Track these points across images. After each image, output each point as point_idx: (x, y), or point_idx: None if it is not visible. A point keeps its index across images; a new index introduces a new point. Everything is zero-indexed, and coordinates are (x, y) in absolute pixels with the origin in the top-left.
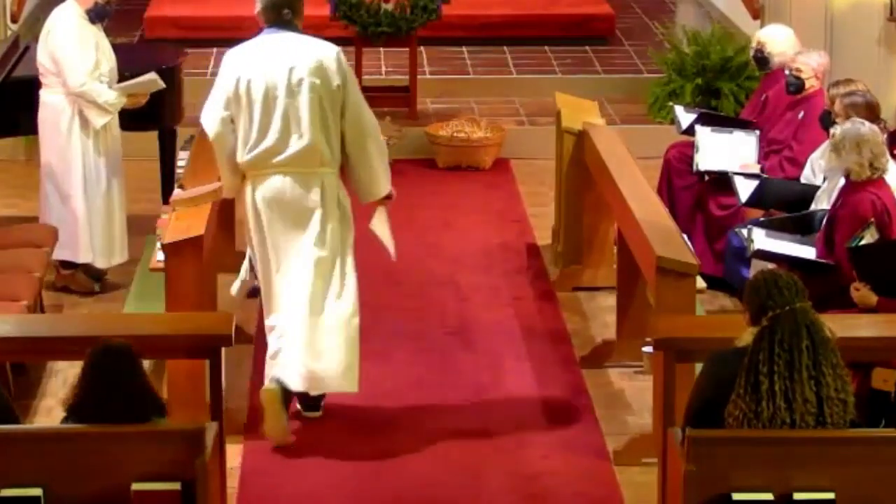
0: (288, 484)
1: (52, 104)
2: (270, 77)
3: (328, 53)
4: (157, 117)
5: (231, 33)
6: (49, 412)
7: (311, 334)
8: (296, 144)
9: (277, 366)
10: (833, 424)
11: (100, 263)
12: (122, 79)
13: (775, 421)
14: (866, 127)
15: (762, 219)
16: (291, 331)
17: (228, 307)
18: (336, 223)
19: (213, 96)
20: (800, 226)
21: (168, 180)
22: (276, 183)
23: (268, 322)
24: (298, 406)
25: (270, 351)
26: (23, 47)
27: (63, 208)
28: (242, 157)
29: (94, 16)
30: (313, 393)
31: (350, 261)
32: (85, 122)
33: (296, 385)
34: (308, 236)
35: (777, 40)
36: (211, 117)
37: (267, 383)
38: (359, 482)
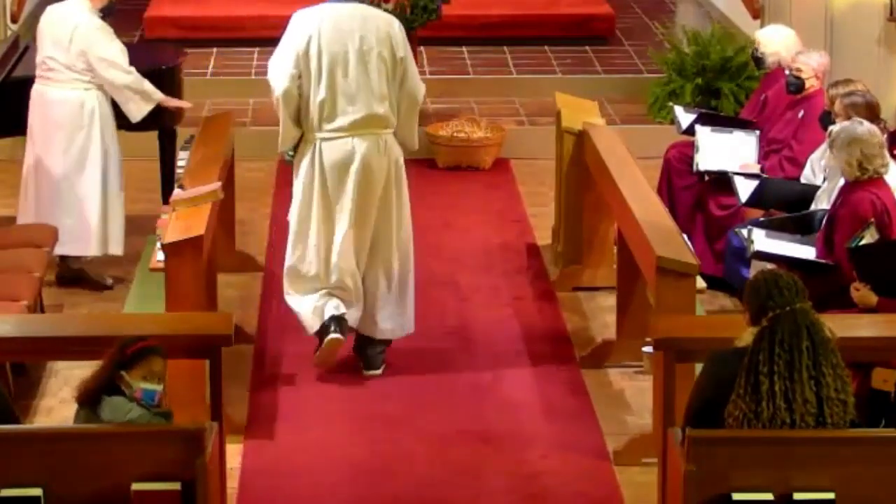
0: (288, 484)
1: (71, 99)
2: (342, 43)
3: (395, 26)
4: (157, 117)
5: (231, 33)
6: (49, 412)
7: (373, 285)
8: (365, 109)
9: (336, 312)
10: (833, 425)
11: (116, 251)
12: None
13: (775, 421)
14: (863, 127)
15: (762, 219)
16: (355, 282)
17: (228, 307)
18: (395, 181)
19: (282, 53)
20: (800, 226)
21: (168, 180)
22: (347, 146)
23: (308, 270)
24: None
25: (317, 298)
26: (23, 47)
27: (80, 203)
28: (312, 118)
29: (107, 13)
30: (378, 337)
31: (406, 214)
32: (103, 116)
33: (370, 333)
34: (374, 195)
35: (772, 40)
36: (280, 73)
37: (332, 335)
38: (359, 482)
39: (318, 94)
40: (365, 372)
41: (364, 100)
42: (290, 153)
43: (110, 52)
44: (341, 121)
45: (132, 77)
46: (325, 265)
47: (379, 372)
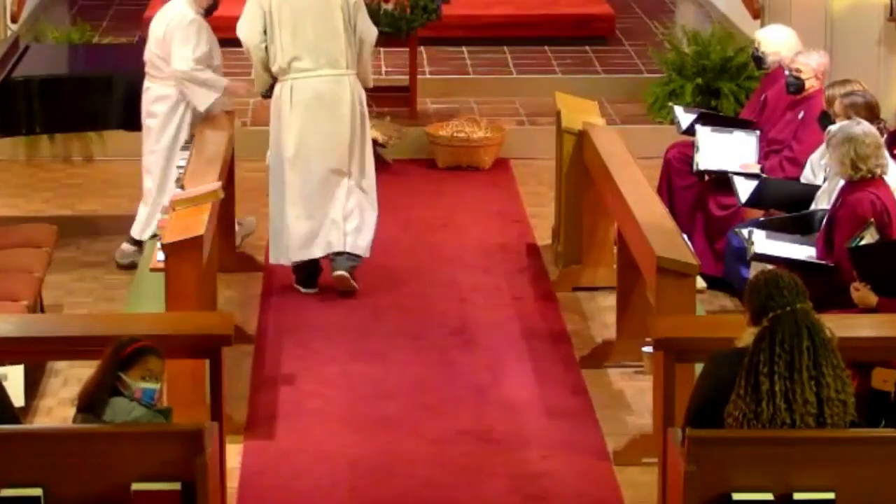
0: (288, 484)
1: (168, 95)
2: None
3: None
4: None
5: (231, 33)
6: (49, 412)
7: (346, 207)
8: (328, 53)
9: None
10: (833, 425)
11: None
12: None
13: (775, 421)
14: (860, 127)
15: (762, 219)
16: (333, 209)
17: (228, 307)
18: (360, 116)
19: (248, 11)
20: (800, 226)
21: None
22: (314, 84)
23: (287, 207)
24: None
25: (297, 228)
26: (23, 47)
27: (163, 194)
28: (281, 63)
29: (207, 11)
30: (348, 250)
31: (369, 146)
32: (186, 109)
33: (339, 247)
34: (341, 127)
35: (771, 40)
36: (247, 30)
37: (338, 272)
38: (359, 482)
39: (285, 44)
40: (333, 274)
41: (326, 45)
42: (267, 92)
43: (180, 42)
44: (308, 63)
45: (188, 68)
46: (299, 195)
47: (344, 273)
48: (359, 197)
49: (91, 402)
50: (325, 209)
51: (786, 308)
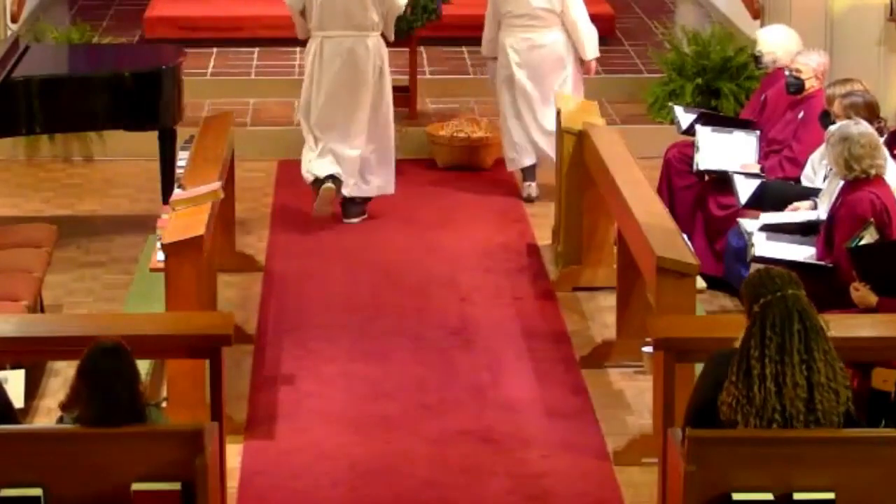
0: (288, 484)
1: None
2: None
3: None
4: (156, 117)
5: (231, 33)
6: (49, 412)
7: (364, 154)
8: (356, 18)
9: (331, 170)
10: (824, 413)
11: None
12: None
13: (766, 406)
14: (857, 127)
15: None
16: (349, 152)
17: (228, 307)
18: (381, 72)
19: None
20: (800, 226)
21: (168, 180)
22: (343, 42)
23: (316, 142)
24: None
25: (316, 155)
26: (23, 47)
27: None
28: (315, 23)
29: None
30: (363, 196)
31: (389, 98)
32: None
33: (350, 192)
34: (365, 81)
35: (768, 40)
36: None
37: (326, 184)
38: (359, 482)
39: (317, 8)
40: (344, 220)
41: (356, 9)
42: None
43: None
44: (338, 23)
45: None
46: (323, 136)
47: (357, 220)
48: (374, 149)
49: (136, 414)
50: (342, 147)
51: (776, 293)
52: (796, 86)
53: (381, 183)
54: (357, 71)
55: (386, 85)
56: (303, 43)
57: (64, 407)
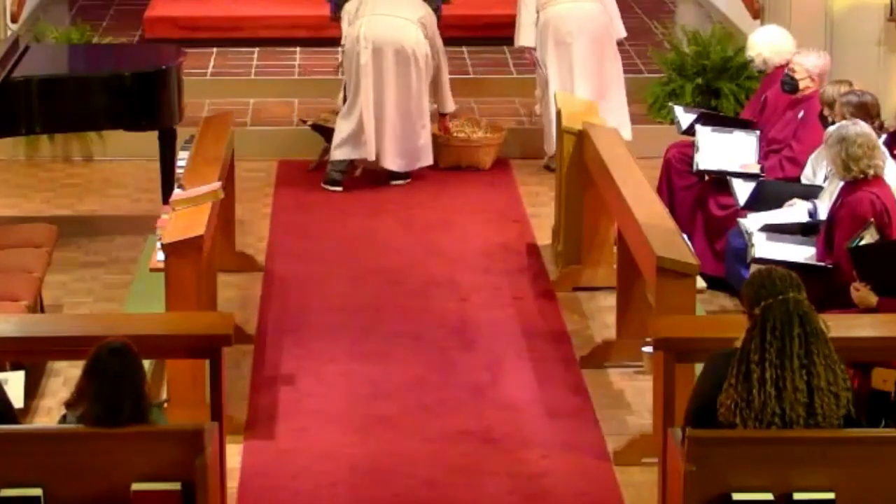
0: (288, 484)
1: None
2: None
3: None
4: (156, 117)
5: (231, 33)
6: (49, 412)
7: (401, 131)
8: (403, 10)
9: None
10: (824, 416)
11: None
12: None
13: (766, 410)
14: (855, 128)
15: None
16: (389, 129)
17: (228, 307)
18: (417, 56)
19: None
20: (800, 226)
21: (168, 180)
22: (386, 23)
23: (354, 118)
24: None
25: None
26: (23, 47)
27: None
28: (360, 10)
29: None
30: (404, 170)
31: (426, 83)
32: None
33: (393, 166)
34: (404, 60)
35: (755, 42)
36: None
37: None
38: (359, 482)
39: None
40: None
41: (405, 4)
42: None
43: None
44: (384, 8)
45: None
46: (359, 113)
47: (403, 182)
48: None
49: (140, 415)
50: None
51: (778, 297)
52: (790, 85)
53: (408, 161)
54: (403, 54)
55: (423, 67)
56: (303, 42)
57: (68, 405)
